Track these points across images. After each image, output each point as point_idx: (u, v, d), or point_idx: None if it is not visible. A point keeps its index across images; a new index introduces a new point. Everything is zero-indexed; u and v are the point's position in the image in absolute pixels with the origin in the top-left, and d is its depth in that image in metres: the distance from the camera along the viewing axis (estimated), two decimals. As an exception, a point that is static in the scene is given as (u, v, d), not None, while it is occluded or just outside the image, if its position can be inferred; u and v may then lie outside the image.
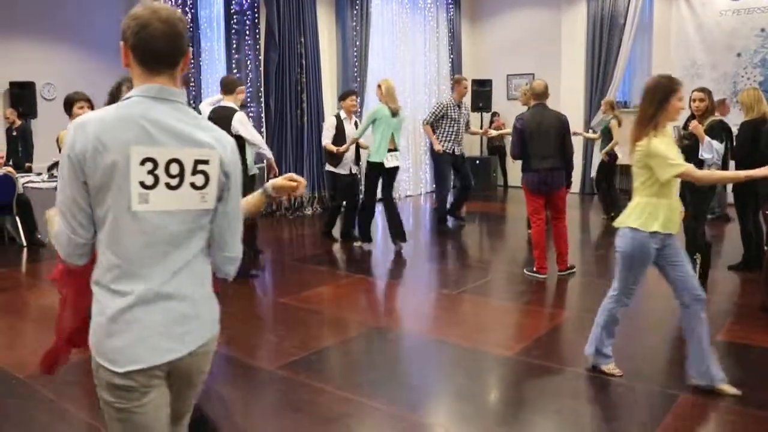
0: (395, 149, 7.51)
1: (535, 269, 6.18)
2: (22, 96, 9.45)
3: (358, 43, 10.83)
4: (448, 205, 9.02)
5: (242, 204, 2.04)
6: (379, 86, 7.48)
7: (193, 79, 10.26)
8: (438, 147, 8.43)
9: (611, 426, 3.41)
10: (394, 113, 7.35)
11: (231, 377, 4.15)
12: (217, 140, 1.86)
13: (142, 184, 1.75)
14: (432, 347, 4.68)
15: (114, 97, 2.79)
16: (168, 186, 1.78)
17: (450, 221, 8.98)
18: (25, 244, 7.95)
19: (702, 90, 5.62)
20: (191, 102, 10.18)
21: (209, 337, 1.92)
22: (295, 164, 9.98)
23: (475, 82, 12.34)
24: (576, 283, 6.07)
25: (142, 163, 1.74)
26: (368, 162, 7.52)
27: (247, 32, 9.97)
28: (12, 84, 9.57)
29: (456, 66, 12.96)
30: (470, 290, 5.98)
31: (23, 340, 5.07)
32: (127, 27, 1.78)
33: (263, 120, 9.86)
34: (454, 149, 8.55)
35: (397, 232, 7.62)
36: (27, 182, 8.16)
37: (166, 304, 1.81)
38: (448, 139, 8.51)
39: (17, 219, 7.91)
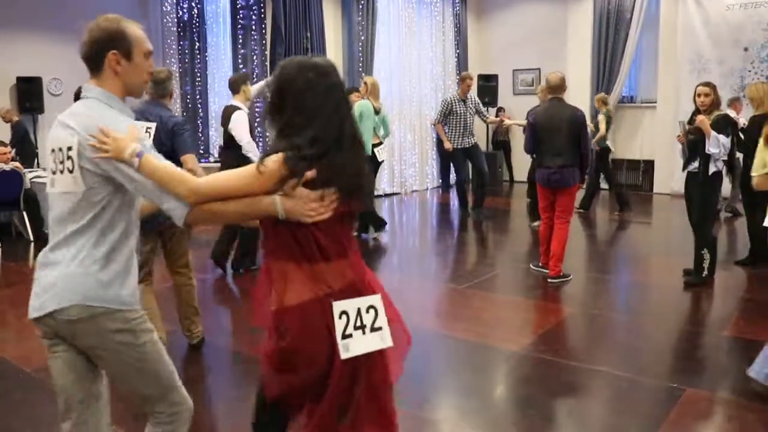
0: (380, 143, 7.83)
1: (541, 264, 6.17)
2: (29, 91, 9.45)
3: (363, 37, 10.83)
4: (470, 202, 9.31)
5: (249, 203, 2.04)
6: (365, 83, 7.69)
7: (199, 74, 10.29)
8: (448, 145, 8.84)
9: (616, 420, 3.42)
10: (377, 110, 7.64)
11: (235, 372, 4.17)
12: (78, 125, 2.03)
13: (52, 171, 2.08)
14: (438, 342, 4.69)
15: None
16: (59, 171, 2.06)
17: (474, 214, 9.16)
18: (32, 238, 7.99)
19: (707, 84, 5.56)
20: (197, 96, 10.22)
21: (65, 305, 2.04)
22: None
23: (481, 77, 12.31)
24: (582, 279, 6.07)
25: (51, 152, 2.08)
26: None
27: (254, 27, 9.98)
28: (19, 79, 9.58)
29: (462, 61, 12.94)
30: (476, 285, 5.98)
31: (30, 334, 5.08)
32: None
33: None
34: (465, 142, 8.88)
35: (377, 222, 7.98)
36: (34, 177, 8.19)
37: (42, 270, 2.11)
38: (457, 133, 8.85)
39: (24, 214, 7.96)
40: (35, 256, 7.40)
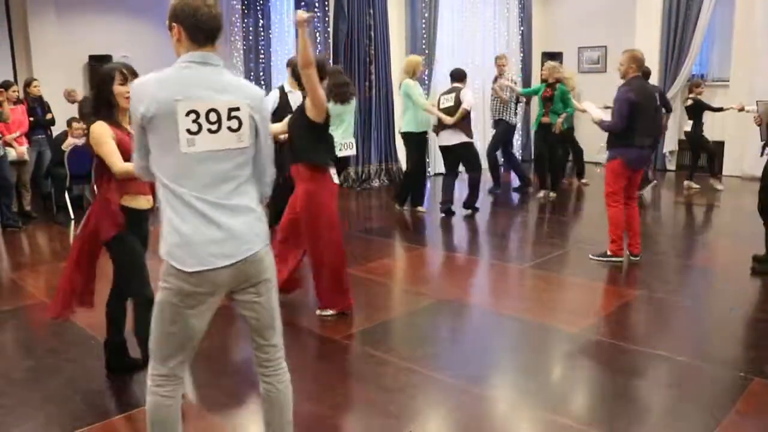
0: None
1: (610, 252, 5.84)
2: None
3: (426, 14, 10.73)
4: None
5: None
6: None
7: (263, 52, 10.40)
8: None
9: (679, 406, 3.35)
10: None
11: (298, 346, 4.26)
12: (243, 92, 2.30)
13: (189, 131, 2.19)
14: (497, 321, 4.68)
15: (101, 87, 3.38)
16: (209, 131, 2.22)
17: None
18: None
19: None
20: (261, 74, 10.35)
21: (259, 248, 2.39)
22: (362, 136, 10.03)
23: (545, 54, 12.08)
24: (646, 262, 5.92)
25: (187, 114, 2.18)
26: (410, 133, 8.00)
27: (317, 4, 10.00)
28: (91, 57, 9.91)
29: (526, 38, 12.70)
30: (537, 265, 5.93)
31: (102, 303, 5.29)
32: (181, 11, 2.24)
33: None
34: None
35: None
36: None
37: (224, 218, 2.29)
38: (513, 107, 9.59)
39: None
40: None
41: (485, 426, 3.21)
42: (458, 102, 7.57)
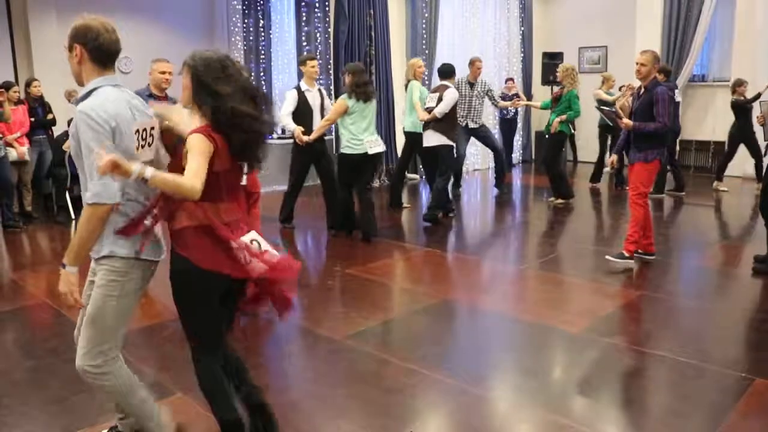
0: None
1: (628, 253, 5.71)
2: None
3: (427, 14, 10.74)
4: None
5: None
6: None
7: (263, 52, 10.41)
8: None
9: (679, 406, 3.35)
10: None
11: (299, 346, 4.26)
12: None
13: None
14: (498, 321, 4.68)
15: None
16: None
17: (495, 192, 9.63)
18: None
19: None
20: (261, 74, 10.36)
21: None
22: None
23: (545, 54, 12.08)
24: (647, 263, 5.91)
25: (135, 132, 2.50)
26: (409, 133, 8.19)
27: (317, 5, 10.02)
28: (92, 57, 9.89)
29: (526, 38, 12.71)
30: (537, 265, 5.93)
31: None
32: (85, 34, 2.49)
33: (333, 92, 9.92)
34: (467, 123, 9.12)
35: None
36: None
37: None
38: (462, 115, 8.93)
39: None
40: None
41: (486, 426, 3.21)
42: (441, 101, 7.44)
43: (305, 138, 6.70)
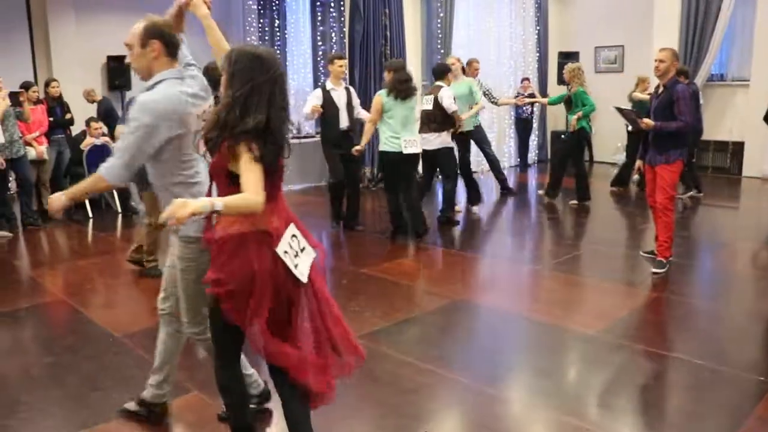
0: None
1: (666, 260, 5.59)
2: (118, 69, 9.87)
3: (442, 14, 10.72)
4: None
5: None
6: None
7: (279, 52, 10.43)
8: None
9: (696, 409, 3.32)
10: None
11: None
12: None
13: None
14: (513, 322, 4.67)
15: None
16: None
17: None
18: (120, 210, 8.38)
19: None
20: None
21: None
22: (378, 137, 10.02)
23: (561, 54, 12.01)
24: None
25: None
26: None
27: (332, 5, 10.04)
28: (109, 58, 9.99)
29: (542, 38, 12.65)
30: (553, 266, 5.90)
31: (119, 301, 5.35)
32: (161, 30, 2.77)
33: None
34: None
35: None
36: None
37: None
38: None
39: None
40: (123, 226, 7.80)
41: (500, 427, 3.21)
42: (437, 104, 7.11)
43: (358, 147, 6.84)
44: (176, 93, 2.73)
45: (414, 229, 6.87)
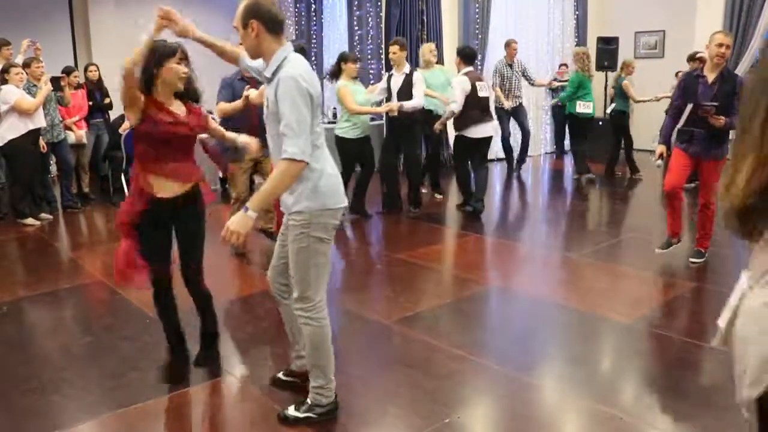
0: None
1: (704, 250, 5.51)
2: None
3: (479, -1, 10.61)
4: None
5: None
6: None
7: (315, 36, 10.44)
8: (508, 104, 9.63)
9: (731, 403, 3.24)
10: None
11: (347, 329, 4.29)
12: None
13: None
14: (547, 309, 4.63)
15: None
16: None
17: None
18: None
19: None
20: (313, 58, 10.40)
21: None
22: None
23: (600, 39, 11.78)
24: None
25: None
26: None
27: (368, -11, 9.99)
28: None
29: (581, 22, 12.44)
30: (589, 254, 5.84)
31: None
32: (258, 9, 2.71)
33: (383, 77, 9.90)
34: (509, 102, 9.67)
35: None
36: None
37: None
38: (503, 94, 9.60)
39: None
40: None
41: (533, 414, 3.19)
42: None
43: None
44: (306, 64, 2.81)
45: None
